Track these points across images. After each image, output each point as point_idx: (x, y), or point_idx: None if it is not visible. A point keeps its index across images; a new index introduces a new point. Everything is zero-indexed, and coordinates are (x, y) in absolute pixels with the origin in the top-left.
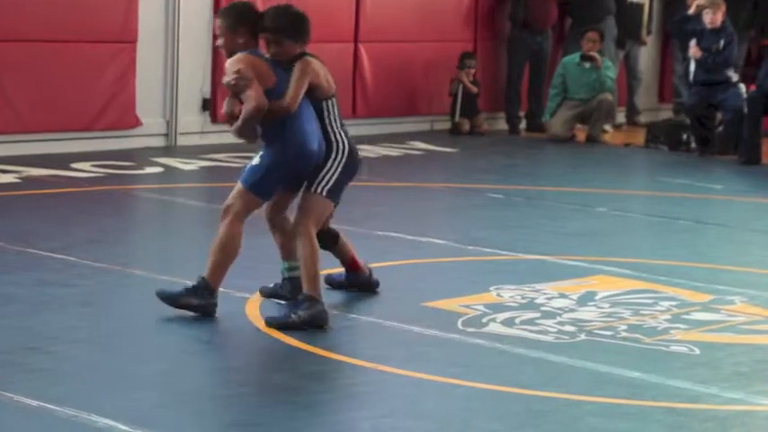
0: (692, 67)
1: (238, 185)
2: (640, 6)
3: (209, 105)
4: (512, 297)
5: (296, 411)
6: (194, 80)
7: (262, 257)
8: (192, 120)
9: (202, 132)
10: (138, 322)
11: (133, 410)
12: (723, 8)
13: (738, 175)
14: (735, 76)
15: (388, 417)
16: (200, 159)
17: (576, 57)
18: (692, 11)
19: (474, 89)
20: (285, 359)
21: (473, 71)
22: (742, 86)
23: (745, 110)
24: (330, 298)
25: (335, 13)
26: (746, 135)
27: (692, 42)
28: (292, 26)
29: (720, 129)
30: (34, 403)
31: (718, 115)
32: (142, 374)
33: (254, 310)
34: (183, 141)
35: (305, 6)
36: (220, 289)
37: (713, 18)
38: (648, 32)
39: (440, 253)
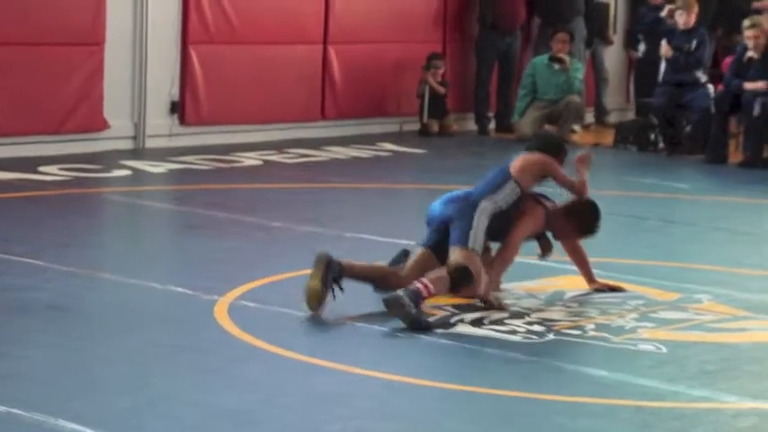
0: (662, 66)
1: None
2: (606, 6)
3: (177, 108)
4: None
5: (267, 413)
6: (163, 83)
7: (229, 260)
8: (160, 122)
9: (171, 135)
10: (107, 326)
11: (102, 415)
12: (696, 9)
13: (706, 174)
14: (704, 78)
15: (357, 419)
16: (169, 162)
17: (545, 58)
18: (664, 13)
19: (441, 90)
20: (254, 361)
21: (441, 72)
22: (710, 87)
23: (713, 110)
24: (296, 300)
25: (304, 14)
26: (713, 134)
27: (663, 42)
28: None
29: (688, 129)
30: (1, 408)
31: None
32: (111, 378)
33: (223, 312)
34: (151, 144)
35: (275, 8)
36: (187, 291)
37: (687, 19)
38: (614, 32)
39: None
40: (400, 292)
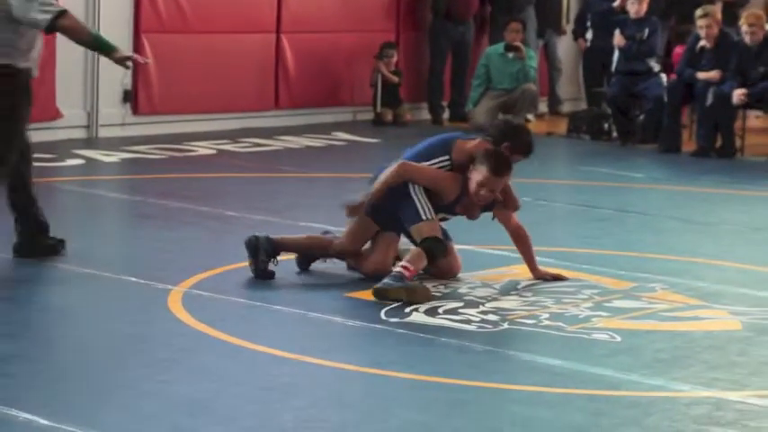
0: (615, 55)
1: None
2: None
3: (130, 97)
4: (435, 287)
5: (222, 402)
6: (115, 72)
7: (183, 250)
8: (112, 112)
9: (123, 124)
10: (59, 315)
11: (55, 405)
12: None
13: (659, 163)
14: (657, 66)
15: (311, 408)
16: (122, 151)
17: (499, 47)
18: (616, 3)
19: (394, 79)
20: (209, 351)
21: (393, 61)
22: (663, 76)
23: (666, 99)
24: (252, 290)
25: (257, 3)
26: (667, 124)
27: (617, 31)
28: None
29: (641, 118)
30: None
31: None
32: (63, 368)
33: (176, 302)
34: (104, 133)
35: None
36: (140, 281)
37: (638, 8)
38: (567, 21)
39: None
40: (386, 280)
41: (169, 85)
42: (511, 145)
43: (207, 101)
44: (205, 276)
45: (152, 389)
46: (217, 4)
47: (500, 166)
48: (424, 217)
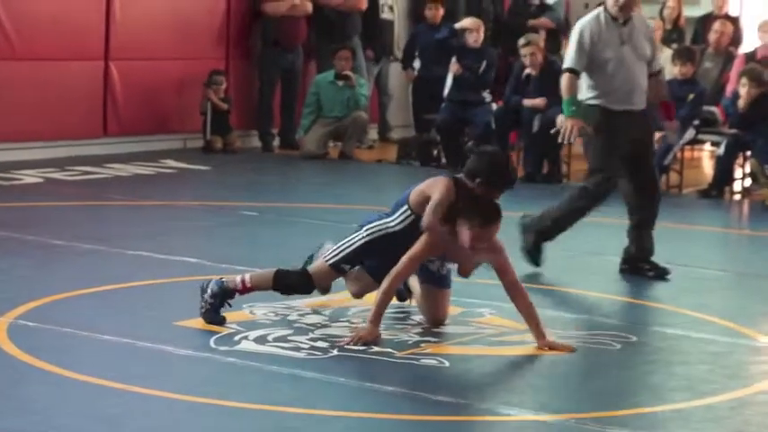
0: (449, 81)
1: None
2: (390, 23)
3: None
4: (265, 314)
5: None
6: None
7: (8, 280)
8: None
9: None
10: None
11: None
12: (482, 29)
13: None
14: (489, 98)
15: None
16: None
17: (329, 75)
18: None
19: (223, 106)
20: (33, 382)
21: (222, 88)
22: (493, 105)
23: (494, 125)
24: (79, 319)
25: (85, 30)
26: None
27: (453, 59)
28: None
29: (470, 144)
30: None
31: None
32: None
33: (1, 333)
34: None
35: (54, 23)
36: None
37: (476, 37)
38: (398, 48)
39: (191, 271)
40: (211, 281)
41: None
42: (483, 181)
43: (34, 129)
44: (31, 306)
45: None
46: (43, 30)
47: (489, 217)
48: (325, 260)
